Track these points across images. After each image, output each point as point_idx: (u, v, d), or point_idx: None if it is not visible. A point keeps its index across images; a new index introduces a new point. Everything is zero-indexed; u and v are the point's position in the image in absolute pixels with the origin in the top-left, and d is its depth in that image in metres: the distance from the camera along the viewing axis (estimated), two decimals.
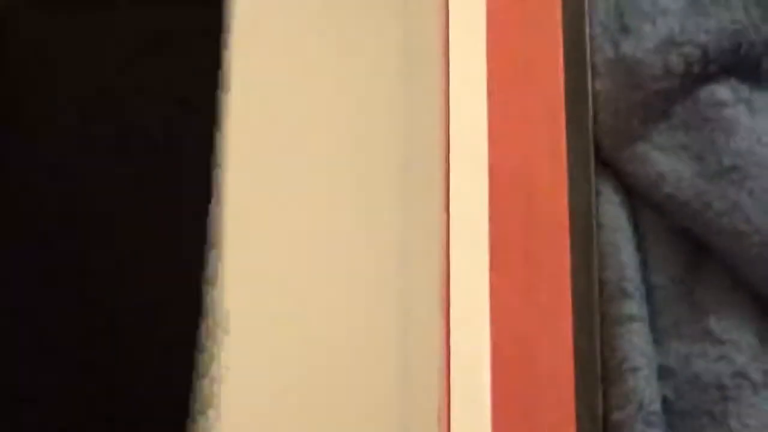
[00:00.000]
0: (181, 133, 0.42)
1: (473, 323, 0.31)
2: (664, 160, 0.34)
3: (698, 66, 0.34)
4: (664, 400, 0.32)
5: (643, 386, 0.31)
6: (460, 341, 0.31)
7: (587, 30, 0.34)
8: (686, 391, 0.32)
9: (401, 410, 0.31)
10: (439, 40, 0.34)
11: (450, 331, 0.31)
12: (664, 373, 0.33)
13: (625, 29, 0.35)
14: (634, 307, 0.33)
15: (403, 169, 0.34)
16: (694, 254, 0.34)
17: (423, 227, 0.33)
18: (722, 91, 0.34)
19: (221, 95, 0.36)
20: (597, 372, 0.31)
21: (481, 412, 0.30)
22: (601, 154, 0.34)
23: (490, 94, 0.33)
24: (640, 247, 0.35)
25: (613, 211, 0.34)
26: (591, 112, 0.33)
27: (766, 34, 0.35)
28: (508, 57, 0.33)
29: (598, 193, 0.34)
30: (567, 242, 0.32)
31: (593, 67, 0.34)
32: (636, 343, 0.32)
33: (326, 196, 0.34)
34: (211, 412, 0.33)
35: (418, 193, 0.33)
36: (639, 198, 0.34)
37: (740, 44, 0.34)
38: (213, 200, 0.35)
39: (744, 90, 0.35)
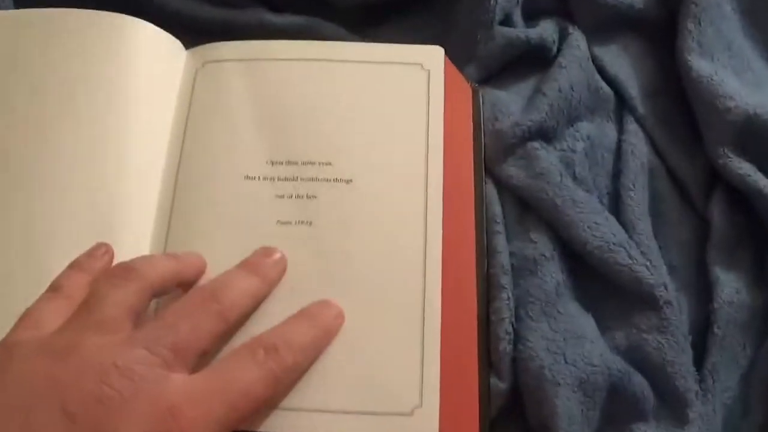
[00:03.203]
0: None
1: None
2: (514, 172, 0.76)
3: (527, 134, 0.78)
4: None
5: None
6: None
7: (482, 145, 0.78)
8: None
9: None
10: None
11: None
12: None
13: (497, 118, 0.80)
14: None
15: None
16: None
17: None
18: (536, 144, 0.78)
19: None
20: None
21: None
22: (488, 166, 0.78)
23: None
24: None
25: (491, 194, 0.77)
26: (483, 152, 0.78)
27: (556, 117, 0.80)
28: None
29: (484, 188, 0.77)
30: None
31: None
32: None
33: None
34: None
35: None
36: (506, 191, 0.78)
37: (545, 122, 0.79)
38: None
39: (544, 144, 0.79)
